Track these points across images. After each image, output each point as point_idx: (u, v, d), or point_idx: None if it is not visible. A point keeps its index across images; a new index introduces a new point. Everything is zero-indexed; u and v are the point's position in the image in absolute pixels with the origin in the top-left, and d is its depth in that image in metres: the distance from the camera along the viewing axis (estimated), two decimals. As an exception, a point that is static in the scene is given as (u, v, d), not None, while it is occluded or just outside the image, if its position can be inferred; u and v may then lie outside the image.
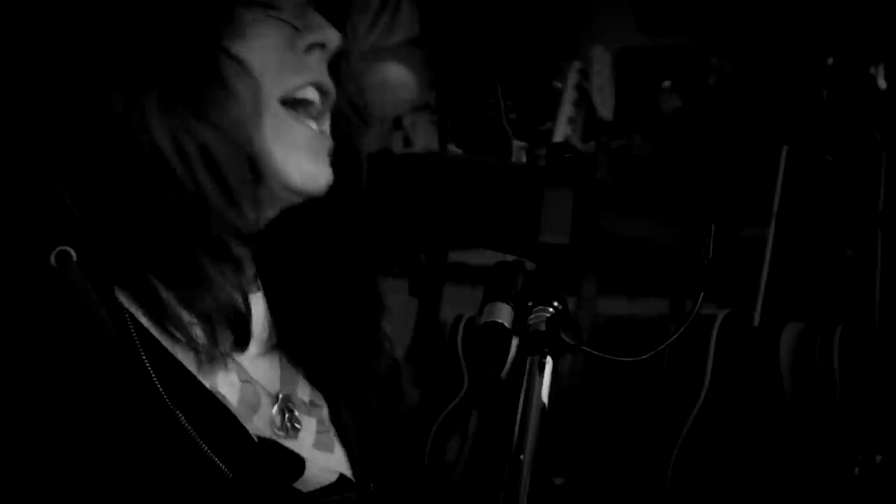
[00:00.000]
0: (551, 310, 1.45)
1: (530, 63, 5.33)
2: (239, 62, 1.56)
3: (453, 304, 4.81)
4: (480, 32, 5.87)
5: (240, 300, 1.59)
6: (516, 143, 4.46)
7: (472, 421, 4.01)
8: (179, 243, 1.53)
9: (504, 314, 1.44)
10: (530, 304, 1.46)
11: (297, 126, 1.62)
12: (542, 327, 1.42)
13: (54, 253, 1.49)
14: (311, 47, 1.63)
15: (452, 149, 4.86)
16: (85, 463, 1.44)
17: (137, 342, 1.50)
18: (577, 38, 5.71)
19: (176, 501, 1.49)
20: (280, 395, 1.65)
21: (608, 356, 1.53)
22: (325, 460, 1.67)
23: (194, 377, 1.56)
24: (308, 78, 1.63)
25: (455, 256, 4.81)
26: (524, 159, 4.43)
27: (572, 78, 4.50)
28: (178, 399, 1.50)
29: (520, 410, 1.36)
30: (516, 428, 1.35)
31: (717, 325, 4.20)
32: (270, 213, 1.65)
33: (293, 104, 1.62)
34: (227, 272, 1.57)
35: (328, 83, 1.66)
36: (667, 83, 6.32)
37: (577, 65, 4.53)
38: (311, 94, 1.63)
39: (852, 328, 4.07)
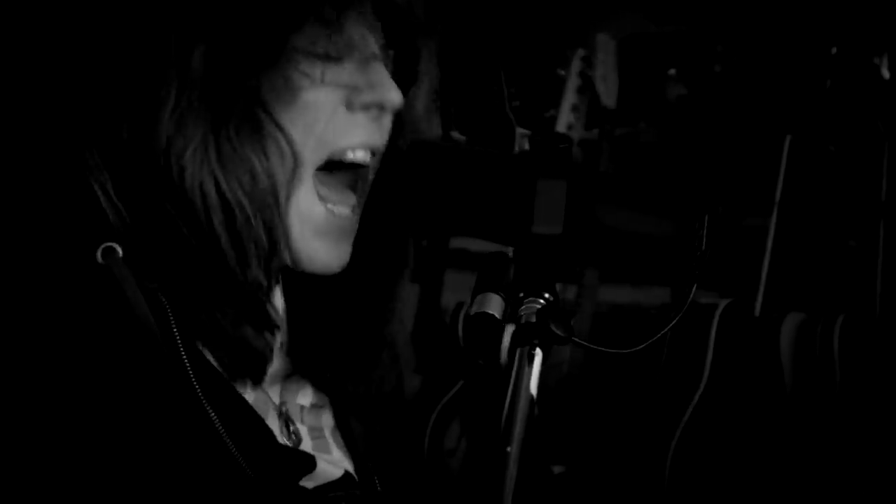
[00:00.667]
0: (542, 301, 1.44)
1: (534, 51, 5.32)
2: (280, 128, 1.54)
3: (455, 290, 4.81)
4: (485, 20, 5.86)
5: (257, 340, 1.59)
6: (519, 131, 4.47)
7: (471, 408, 4.02)
8: (202, 283, 1.54)
9: (495, 305, 1.43)
10: (521, 294, 1.45)
11: (321, 212, 1.59)
12: (533, 319, 1.41)
13: (101, 249, 1.49)
14: (368, 106, 1.59)
15: (456, 136, 4.86)
16: (119, 451, 1.45)
17: (179, 341, 1.51)
18: (582, 26, 5.70)
19: (198, 495, 1.50)
20: (282, 407, 1.66)
21: (597, 347, 1.53)
22: (322, 465, 1.67)
23: (226, 379, 1.57)
24: (359, 140, 1.59)
25: (457, 243, 4.81)
26: (527, 146, 4.43)
27: (576, 66, 4.51)
28: (211, 398, 1.51)
29: (508, 402, 1.35)
30: (504, 419, 1.34)
31: (717, 314, 4.20)
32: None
33: (337, 168, 1.59)
34: (252, 325, 1.57)
35: (379, 144, 1.62)
36: (672, 71, 6.31)
37: (580, 53, 4.53)
38: (361, 155, 1.60)
39: (853, 319, 4.07)
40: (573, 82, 4.51)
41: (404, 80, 1.66)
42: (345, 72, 1.58)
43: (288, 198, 1.56)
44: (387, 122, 1.62)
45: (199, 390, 1.50)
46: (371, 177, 1.64)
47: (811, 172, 4.36)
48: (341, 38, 1.57)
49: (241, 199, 1.52)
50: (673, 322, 1.53)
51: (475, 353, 1.41)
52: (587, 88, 4.50)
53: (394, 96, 1.60)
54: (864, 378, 3.99)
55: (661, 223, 1.55)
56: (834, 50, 4.37)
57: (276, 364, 1.66)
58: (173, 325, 1.51)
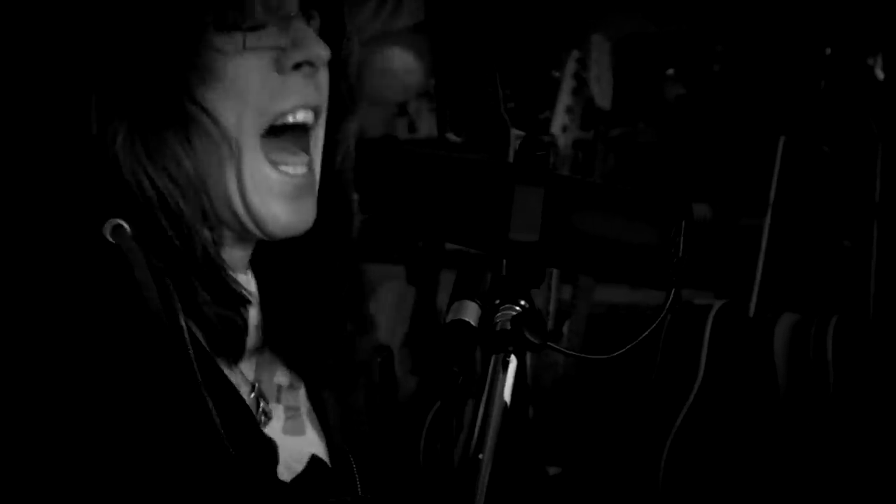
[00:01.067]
0: (518, 308, 1.45)
1: (529, 52, 5.32)
2: (204, 110, 1.56)
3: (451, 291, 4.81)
4: (480, 21, 5.86)
5: (236, 317, 1.62)
6: (514, 132, 4.47)
7: (467, 409, 4.02)
8: (172, 258, 1.57)
9: (470, 312, 1.44)
10: (497, 301, 1.46)
11: (275, 174, 1.62)
12: (507, 326, 1.42)
13: (110, 225, 1.51)
14: (298, 66, 1.61)
15: (451, 137, 4.87)
16: (121, 432, 1.47)
17: (182, 322, 1.53)
18: (579, 27, 5.70)
19: (188, 474, 1.52)
20: (255, 384, 1.68)
21: (573, 353, 1.54)
22: (296, 445, 1.70)
23: (216, 362, 1.60)
24: (295, 101, 1.61)
25: (454, 245, 4.81)
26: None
27: (570, 67, 4.51)
28: (206, 380, 1.54)
29: (481, 408, 1.36)
30: (477, 426, 1.35)
31: (711, 315, 4.21)
32: (248, 246, 1.68)
33: (282, 131, 1.61)
34: (218, 293, 1.59)
35: (319, 101, 1.64)
36: (670, 71, 6.31)
37: (575, 54, 4.53)
38: (302, 115, 1.63)
39: (847, 320, 4.08)
40: (568, 84, 4.51)
41: (332, 33, 1.68)
42: (267, 35, 1.60)
43: (234, 169, 1.58)
44: (321, 78, 1.64)
45: (198, 373, 1.52)
46: (321, 132, 1.67)
47: (805, 173, 4.36)
48: (256, 3, 1.59)
49: (170, 188, 1.55)
50: (649, 330, 1.54)
51: (449, 361, 1.42)
52: (582, 90, 4.50)
53: (321, 52, 1.62)
54: (858, 379, 4.00)
55: (638, 229, 1.55)
56: (828, 51, 4.38)
57: (253, 342, 1.69)
58: (178, 307, 1.54)
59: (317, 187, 1.67)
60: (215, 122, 1.57)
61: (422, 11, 7.88)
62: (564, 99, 4.50)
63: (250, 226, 1.62)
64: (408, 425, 4.02)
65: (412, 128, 7.41)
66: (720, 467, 4.11)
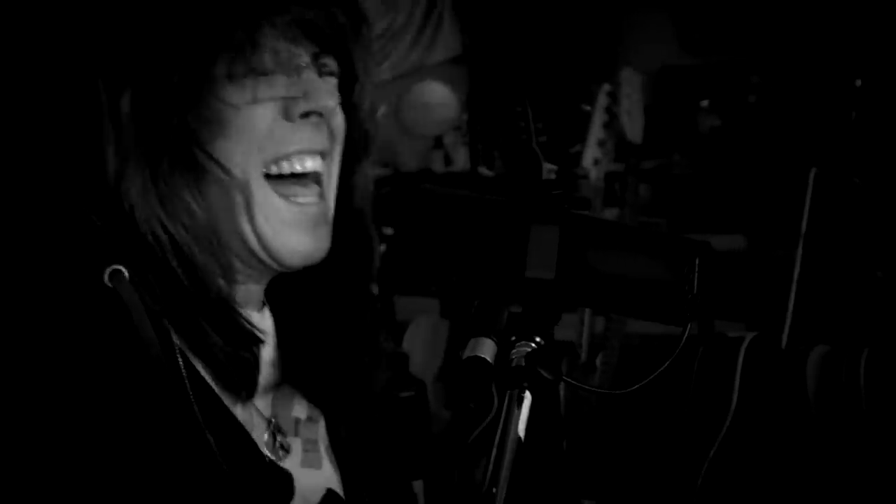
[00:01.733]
0: (533, 345, 1.48)
1: (561, 86, 5.35)
2: (214, 160, 1.61)
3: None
4: (512, 56, 5.90)
5: (247, 356, 1.65)
6: (547, 166, 4.49)
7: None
8: (184, 302, 1.61)
9: (487, 349, 1.47)
10: (513, 339, 1.49)
11: (285, 205, 1.66)
12: (522, 362, 1.45)
13: (108, 271, 1.56)
14: (306, 114, 1.65)
15: (483, 171, 4.90)
16: (122, 471, 1.50)
17: (181, 364, 1.57)
18: (610, 61, 5.72)
19: None
20: (272, 420, 1.71)
21: (589, 388, 1.56)
22: (312, 478, 1.72)
23: (221, 400, 1.63)
24: (301, 146, 1.66)
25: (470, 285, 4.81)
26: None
27: (601, 101, 4.53)
28: (207, 418, 1.57)
29: (496, 443, 1.39)
30: (491, 460, 1.38)
31: (744, 347, 4.20)
32: (264, 280, 1.72)
33: (285, 178, 1.65)
34: (230, 334, 1.63)
35: (326, 146, 1.68)
36: (705, 102, 6.32)
37: (606, 88, 4.55)
38: (309, 163, 1.67)
39: (879, 351, 4.07)
40: (599, 117, 4.53)
41: (345, 81, 1.72)
42: (277, 85, 1.64)
43: (245, 205, 1.63)
44: (332, 124, 1.69)
45: (198, 413, 1.56)
46: (334, 168, 1.71)
47: (837, 204, 4.36)
48: (265, 55, 1.63)
49: (183, 235, 1.60)
50: (664, 366, 1.56)
51: (466, 398, 1.45)
52: (613, 123, 4.52)
53: (328, 102, 1.67)
54: (891, 410, 3.98)
55: (652, 266, 1.58)
56: (858, 82, 4.38)
57: (268, 378, 1.72)
58: (177, 349, 1.58)
59: (330, 215, 1.71)
60: (225, 170, 1.62)
61: (458, 46, 7.93)
62: (596, 132, 4.52)
63: (266, 259, 1.66)
64: (441, 459, 4.04)
65: (448, 161, 7.45)
66: (754, 498, 4.11)
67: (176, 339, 1.59)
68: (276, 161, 1.64)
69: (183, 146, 1.60)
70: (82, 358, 1.53)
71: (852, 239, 4.40)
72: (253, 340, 1.66)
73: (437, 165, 7.43)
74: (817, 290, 4.31)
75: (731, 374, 4.18)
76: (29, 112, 1.64)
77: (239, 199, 1.62)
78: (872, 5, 4.86)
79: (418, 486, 4.00)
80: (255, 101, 1.62)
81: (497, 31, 6.41)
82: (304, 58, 1.66)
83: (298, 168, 1.66)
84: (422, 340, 4.67)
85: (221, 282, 1.63)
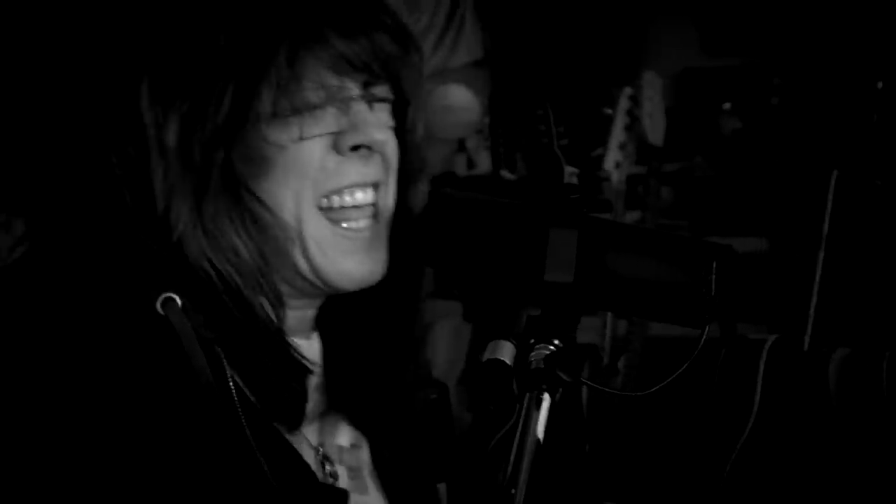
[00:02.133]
0: (552, 348, 1.49)
1: (582, 90, 5.35)
2: (259, 200, 1.60)
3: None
4: (534, 59, 5.90)
5: (296, 386, 1.65)
6: (568, 169, 4.50)
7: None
8: (234, 331, 1.61)
9: (506, 352, 1.48)
10: (532, 341, 1.50)
11: (339, 231, 1.65)
12: (541, 365, 1.46)
13: (160, 299, 1.56)
14: (356, 147, 1.64)
15: (505, 174, 4.90)
16: (172, 493, 1.51)
17: (234, 392, 1.57)
18: (631, 64, 5.72)
19: None
20: (319, 448, 1.71)
21: (608, 390, 1.57)
22: (363, 502, 1.73)
23: (273, 427, 1.64)
24: (353, 180, 1.65)
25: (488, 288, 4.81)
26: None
27: (623, 104, 4.54)
28: (262, 446, 1.57)
29: (515, 445, 1.40)
30: (510, 462, 1.39)
31: (766, 349, 4.20)
32: (315, 304, 1.72)
33: (337, 211, 1.65)
34: (278, 364, 1.63)
35: (379, 177, 1.67)
36: (727, 105, 6.31)
37: (627, 91, 4.56)
38: (360, 195, 1.65)
39: (901, 353, 4.06)
40: (620, 121, 4.54)
41: (398, 106, 1.71)
42: (325, 119, 1.63)
43: (299, 241, 1.62)
44: (386, 152, 1.67)
45: (252, 440, 1.56)
46: (391, 188, 1.69)
47: (858, 206, 4.35)
48: (311, 89, 1.62)
49: (231, 273, 1.59)
50: (681, 369, 1.57)
51: (485, 400, 1.46)
52: (634, 126, 4.53)
53: (377, 135, 1.65)
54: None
55: (671, 269, 1.59)
56: (880, 84, 4.38)
57: (314, 404, 1.72)
58: (229, 377, 1.58)
59: (386, 234, 1.69)
60: (272, 212, 1.61)
61: (479, 48, 7.93)
62: (617, 135, 4.53)
63: (322, 286, 1.66)
64: (463, 462, 4.04)
65: (471, 164, 7.45)
66: (776, 500, 4.10)
67: (228, 368, 1.59)
68: (328, 195, 1.63)
69: (228, 185, 1.59)
70: (134, 388, 1.53)
71: (874, 241, 4.39)
72: (302, 371, 1.66)
73: (460, 168, 7.43)
74: (839, 292, 4.31)
75: (754, 377, 4.17)
76: (88, 134, 1.64)
77: (291, 234, 1.62)
78: (894, 7, 4.85)
79: (441, 489, 4.01)
80: (301, 138, 1.61)
81: (519, 34, 6.42)
82: (354, 90, 1.65)
83: (349, 201, 1.64)
84: (444, 343, 4.68)
85: (271, 312, 1.63)
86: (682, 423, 4.38)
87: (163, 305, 1.56)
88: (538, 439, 1.41)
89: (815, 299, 4.25)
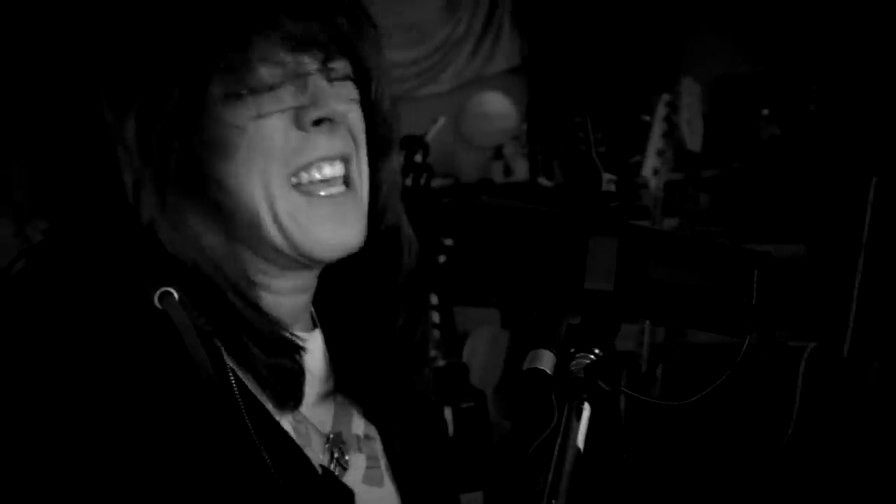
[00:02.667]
0: (592, 357, 1.48)
1: (620, 96, 5.35)
2: (223, 185, 1.61)
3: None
4: (572, 66, 5.90)
5: (290, 364, 1.66)
6: (606, 176, 4.49)
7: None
8: (220, 318, 1.62)
9: (546, 361, 1.48)
10: (573, 350, 1.49)
11: (308, 203, 1.65)
12: (581, 374, 1.46)
13: (158, 293, 1.57)
14: (318, 122, 1.64)
15: (543, 181, 4.91)
16: (174, 486, 1.52)
17: (234, 383, 1.59)
18: (670, 71, 5.72)
19: None
20: (331, 436, 1.72)
21: (649, 399, 1.57)
22: (373, 495, 1.73)
23: (272, 416, 1.64)
24: (316, 155, 1.65)
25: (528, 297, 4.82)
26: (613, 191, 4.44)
27: (661, 111, 4.53)
28: (262, 437, 1.58)
29: (555, 455, 1.40)
30: (550, 472, 1.39)
31: (804, 357, 4.19)
32: (306, 287, 1.73)
33: (307, 186, 1.65)
34: (269, 345, 1.64)
35: (346, 150, 1.67)
36: (765, 111, 6.30)
37: (665, 98, 4.55)
38: (328, 169, 1.65)
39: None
40: (658, 127, 4.53)
41: (361, 77, 1.71)
42: (284, 96, 1.62)
43: (271, 215, 1.62)
44: (351, 124, 1.68)
45: (252, 431, 1.57)
46: (363, 164, 1.70)
47: (898, 213, 4.33)
48: (265, 68, 1.61)
49: (200, 258, 1.60)
50: (722, 378, 1.57)
51: (526, 409, 1.46)
52: (673, 133, 4.52)
53: (338, 107, 1.65)
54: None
55: (712, 278, 1.58)
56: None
57: (322, 392, 1.73)
58: (229, 369, 1.59)
59: (361, 206, 1.70)
60: (237, 193, 1.61)
61: (517, 56, 7.95)
62: (655, 142, 4.52)
63: (299, 258, 1.66)
64: (501, 470, 4.04)
65: (508, 171, 7.47)
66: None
67: (228, 360, 1.60)
68: (297, 173, 1.63)
69: (188, 173, 1.60)
70: (135, 383, 1.54)
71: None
72: (292, 348, 1.66)
73: (497, 176, 7.45)
74: (879, 299, 4.29)
75: (793, 384, 4.16)
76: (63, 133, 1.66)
77: (263, 213, 1.62)
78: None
79: (479, 497, 4.01)
80: (259, 116, 1.60)
81: (556, 41, 6.43)
82: (312, 65, 1.64)
83: (318, 176, 1.64)
84: (482, 351, 4.68)
85: (252, 293, 1.64)
86: (720, 432, 4.37)
87: (160, 300, 1.57)
88: (579, 449, 1.40)
89: (854, 306, 4.23)
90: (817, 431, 4.15)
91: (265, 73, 1.61)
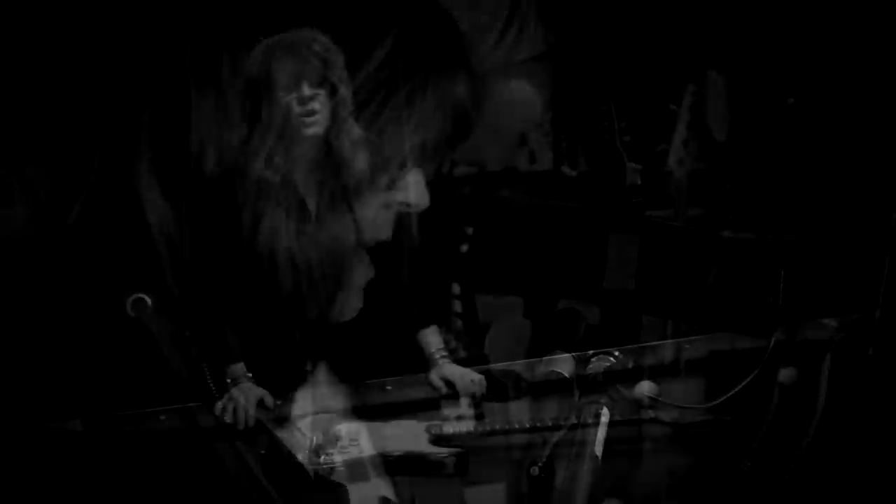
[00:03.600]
0: (612, 358, 1.45)
1: (645, 86, 5.32)
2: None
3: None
4: (597, 54, 5.87)
5: (290, 372, 1.64)
6: (630, 165, 4.45)
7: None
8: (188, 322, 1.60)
9: (565, 364, 1.45)
10: (591, 352, 1.46)
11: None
12: (600, 378, 1.42)
13: (130, 300, 1.55)
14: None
15: (566, 170, 4.87)
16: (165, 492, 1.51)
17: (212, 387, 1.57)
18: (697, 61, 5.69)
19: None
20: (313, 439, 1.71)
21: (671, 403, 1.54)
22: (362, 491, 1.72)
23: (259, 421, 1.63)
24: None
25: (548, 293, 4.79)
26: (638, 181, 4.43)
27: (687, 101, 4.50)
28: (246, 441, 1.57)
29: (572, 458, 1.36)
30: (568, 476, 1.36)
31: (830, 351, 4.15)
32: None
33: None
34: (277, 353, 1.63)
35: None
36: (791, 100, 6.27)
37: (692, 88, 4.53)
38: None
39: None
40: (685, 117, 4.50)
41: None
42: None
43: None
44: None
45: (234, 436, 1.55)
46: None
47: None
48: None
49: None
50: (749, 378, 1.53)
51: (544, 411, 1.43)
52: (698, 123, 4.49)
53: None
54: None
55: (736, 277, 1.55)
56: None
57: (310, 395, 1.72)
58: (207, 374, 1.57)
59: None
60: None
61: (542, 43, 7.90)
62: (681, 132, 4.49)
63: None
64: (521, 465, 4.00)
65: (532, 159, 7.43)
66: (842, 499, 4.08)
67: (206, 367, 1.59)
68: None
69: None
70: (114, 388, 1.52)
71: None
72: (295, 356, 1.65)
73: (522, 163, 7.41)
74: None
75: (817, 380, 4.13)
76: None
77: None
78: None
79: (501, 488, 3.98)
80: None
81: (582, 29, 6.39)
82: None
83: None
84: (504, 341, 4.65)
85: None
86: (745, 430, 4.34)
87: (132, 307, 1.55)
88: (596, 455, 1.37)
89: (881, 301, 4.20)
90: (842, 426, 4.13)
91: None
